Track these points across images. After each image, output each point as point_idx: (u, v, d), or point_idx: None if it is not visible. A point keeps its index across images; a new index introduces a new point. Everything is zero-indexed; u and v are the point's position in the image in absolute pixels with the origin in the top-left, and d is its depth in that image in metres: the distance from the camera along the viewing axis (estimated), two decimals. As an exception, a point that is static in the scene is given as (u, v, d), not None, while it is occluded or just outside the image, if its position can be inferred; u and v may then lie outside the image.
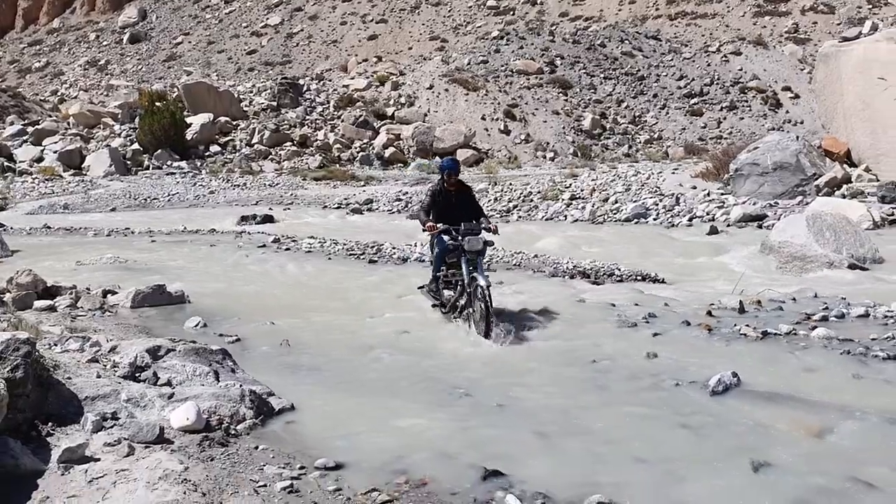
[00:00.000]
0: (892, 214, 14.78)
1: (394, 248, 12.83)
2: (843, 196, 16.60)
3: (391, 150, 33.58)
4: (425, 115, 36.58)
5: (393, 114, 36.79)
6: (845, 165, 18.35)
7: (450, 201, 8.22)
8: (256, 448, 4.66)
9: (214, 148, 33.56)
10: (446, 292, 8.15)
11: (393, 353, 6.96)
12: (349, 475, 4.39)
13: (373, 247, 12.96)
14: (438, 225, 7.94)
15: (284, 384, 5.91)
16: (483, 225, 8.06)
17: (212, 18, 67.43)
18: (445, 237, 7.94)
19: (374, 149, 34.08)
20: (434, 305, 8.37)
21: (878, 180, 17.36)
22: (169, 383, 5.17)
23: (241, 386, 5.30)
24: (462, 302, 7.76)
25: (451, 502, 4.10)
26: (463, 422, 5.23)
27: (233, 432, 4.87)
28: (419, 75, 40.61)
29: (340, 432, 5.05)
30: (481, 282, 7.29)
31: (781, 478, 4.29)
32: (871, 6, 51.00)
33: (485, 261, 8.10)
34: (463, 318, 7.78)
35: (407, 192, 22.46)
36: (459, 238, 7.73)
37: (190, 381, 5.29)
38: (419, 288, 8.84)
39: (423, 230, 8.21)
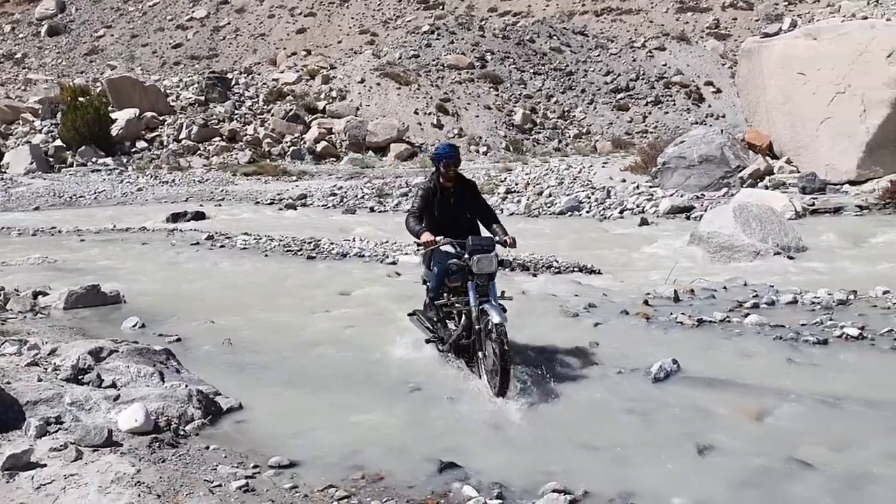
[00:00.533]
0: (813, 204, 15.41)
1: (332, 243, 12.74)
2: (766, 187, 17.22)
3: (323, 144, 33.25)
4: (357, 109, 36.35)
5: (324, 108, 36.43)
6: (767, 157, 19.03)
7: (447, 202, 6.39)
8: (208, 448, 4.61)
9: (141, 144, 32.62)
10: (449, 324, 6.44)
11: (339, 349, 6.94)
12: (304, 472, 4.38)
13: (310, 243, 12.84)
14: (438, 237, 6.06)
15: (231, 383, 5.84)
16: (497, 238, 6.19)
17: (135, 11, 65.48)
18: (446, 248, 6.15)
19: (305, 143, 33.68)
20: (429, 340, 6.57)
21: (798, 171, 18.06)
22: (114, 385, 5.06)
23: (187, 386, 5.22)
24: (467, 341, 5.98)
25: (409, 496, 4.13)
26: (416, 416, 5.27)
27: (182, 433, 4.81)
28: (350, 69, 40.31)
29: (292, 430, 5.03)
30: (495, 317, 5.50)
31: (725, 460, 4.46)
32: (787, 3, 52.85)
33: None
34: (468, 362, 6.09)
35: (342, 187, 22.31)
36: (466, 255, 5.89)
37: (135, 382, 5.18)
38: (410, 315, 7.05)
39: (417, 243, 6.49)
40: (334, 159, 32.54)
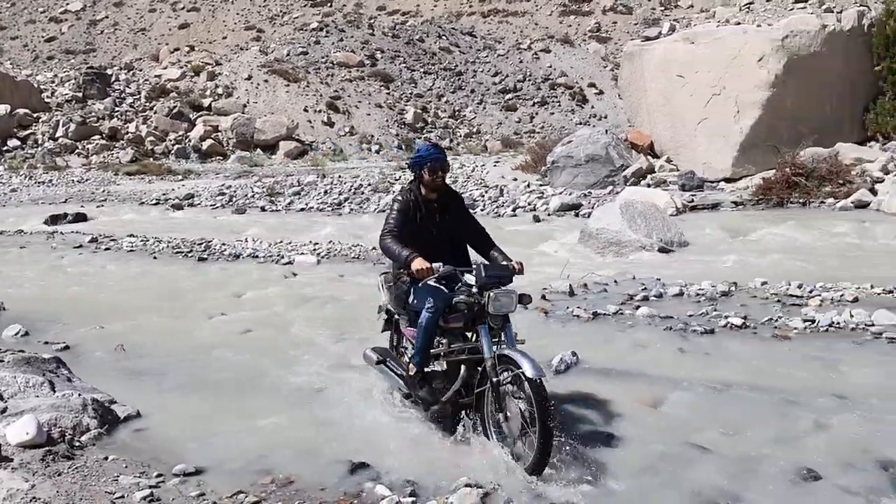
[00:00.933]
0: (692, 201, 16.18)
1: (224, 244, 12.42)
2: (649, 185, 17.96)
3: (209, 142, 32.33)
4: (244, 106, 35.53)
5: (210, 105, 35.42)
6: (649, 157, 19.86)
7: (432, 220, 5.06)
8: (106, 459, 4.42)
9: (13, 142, 30.79)
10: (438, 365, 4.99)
11: (238, 352, 6.79)
12: (211, 479, 4.28)
13: (201, 244, 12.47)
14: (435, 264, 4.67)
15: (126, 391, 5.62)
16: (498, 258, 5.08)
17: (3, 2, 61.64)
18: (443, 275, 4.79)
19: (190, 141, 32.66)
20: (410, 398, 5.10)
21: (678, 170, 18.92)
22: (0, 397, 4.77)
23: (81, 395, 4.99)
24: (467, 399, 4.74)
25: (321, 498, 4.10)
26: (322, 417, 5.22)
27: (77, 444, 4.59)
28: (236, 66, 39.35)
29: (195, 436, 4.89)
30: (528, 369, 4.18)
31: (628, 448, 4.64)
32: (663, 8, 55.23)
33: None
34: (476, 425, 4.66)
35: (230, 186, 21.75)
36: (475, 289, 4.65)
37: (23, 393, 4.91)
38: (377, 364, 5.41)
39: (405, 272, 4.92)
40: (221, 158, 31.71)
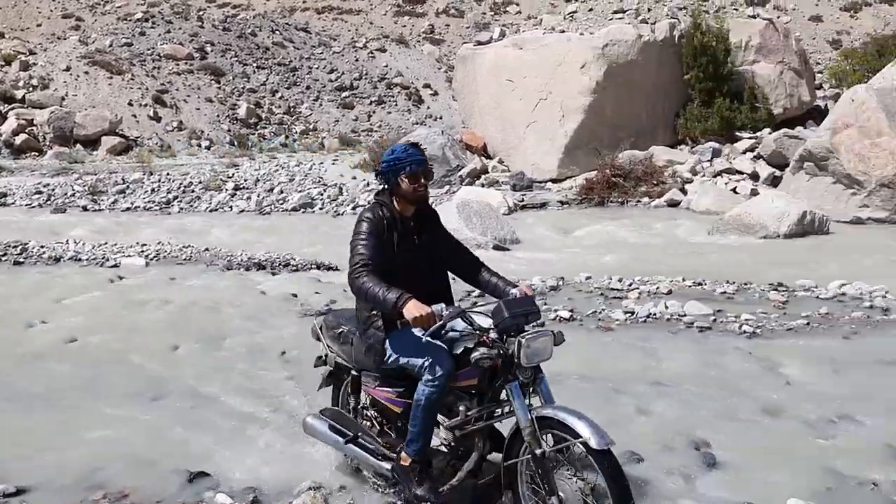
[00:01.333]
0: (522, 200, 16.89)
1: (42, 246, 11.59)
2: (483, 185, 18.58)
3: (23, 137, 29.90)
4: (63, 99, 33.17)
5: (23, 97, 32.75)
6: (483, 157, 20.52)
7: (411, 242, 3.86)
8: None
9: None
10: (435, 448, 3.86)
11: (64, 361, 6.41)
12: (36, 499, 4.09)
13: (16, 246, 11.56)
14: (436, 307, 3.41)
15: (-66, 409, 5.19)
16: (498, 284, 4.01)
17: None
18: (452, 325, 3.74)
19: (2, 136, 30.09)
20: (398, 488, 3.84)
21: (509, 170, 19.68)
22: None
23: None
24: (486, 479, 3.72)
25: (158, 509, 4.00)
26: (158, 426, 5.06)
27: None
28: (53, 55, 36.67)
29: (17, 453, 4.61)
30: (592, 438, 3.23)
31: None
32: (493, 13, 56.96)
33: None
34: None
35: (48, 185, 20.26)
36: (492, 333, 3.50)
37: None
38: (346, 443, 4.03)
39: (397, 320, 3.63)
40: (37, 154, 29.45)
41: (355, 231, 3.73)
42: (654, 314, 7.50)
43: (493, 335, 3.50)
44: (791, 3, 49.97)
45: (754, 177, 16.91)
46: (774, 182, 16.47)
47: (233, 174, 21.46)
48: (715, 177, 17.08)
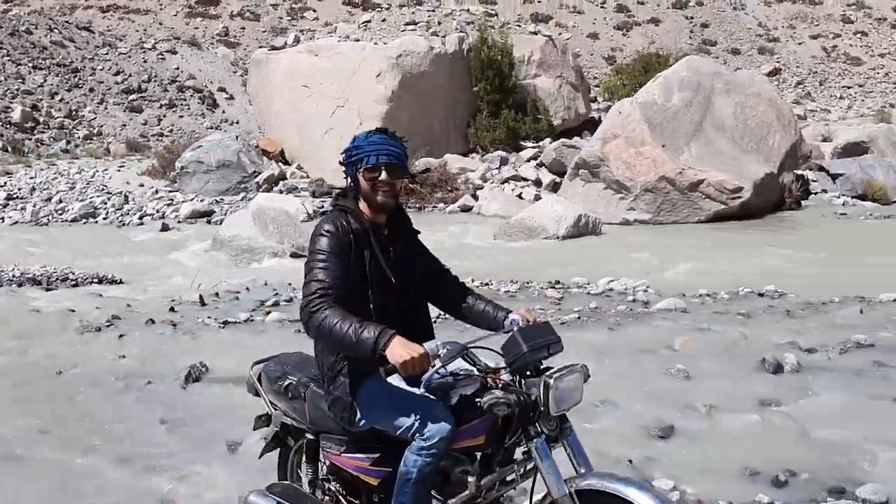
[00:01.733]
0: (322, 207, 16.94)
1: None
2: (281, 191, 18.42)
3: None
4: None
5: None
6: (280, 163, 20.33)
7: (385, 257, 2.86)
8: None
9: None
10: None
11: None
12: None
13: None
14: (430, 345, 2.51)
15: None
16: (490, 312, 3.07)
17: None
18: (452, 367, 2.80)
19: None
20: None
21: (308, 177, 19.65)
22: None
23: None
24: None
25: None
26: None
27: None
28: None
29: None
30: None
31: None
32: (290, 18, 56.36)
33: None
34: None
35: None
36: (504, 375, 2.68)
37: None
38: None
39: (379, 366, 2.52)
40: None
41: (310, 250, 2.76)
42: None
43: (504, 376, 2.67)
44: (571, 21, 53.76)
45: (538, 183, 18.09)
46: (555, 188, 17.70)
47: (5, 182, 19.74)
48: (503, 183, 18.08)
